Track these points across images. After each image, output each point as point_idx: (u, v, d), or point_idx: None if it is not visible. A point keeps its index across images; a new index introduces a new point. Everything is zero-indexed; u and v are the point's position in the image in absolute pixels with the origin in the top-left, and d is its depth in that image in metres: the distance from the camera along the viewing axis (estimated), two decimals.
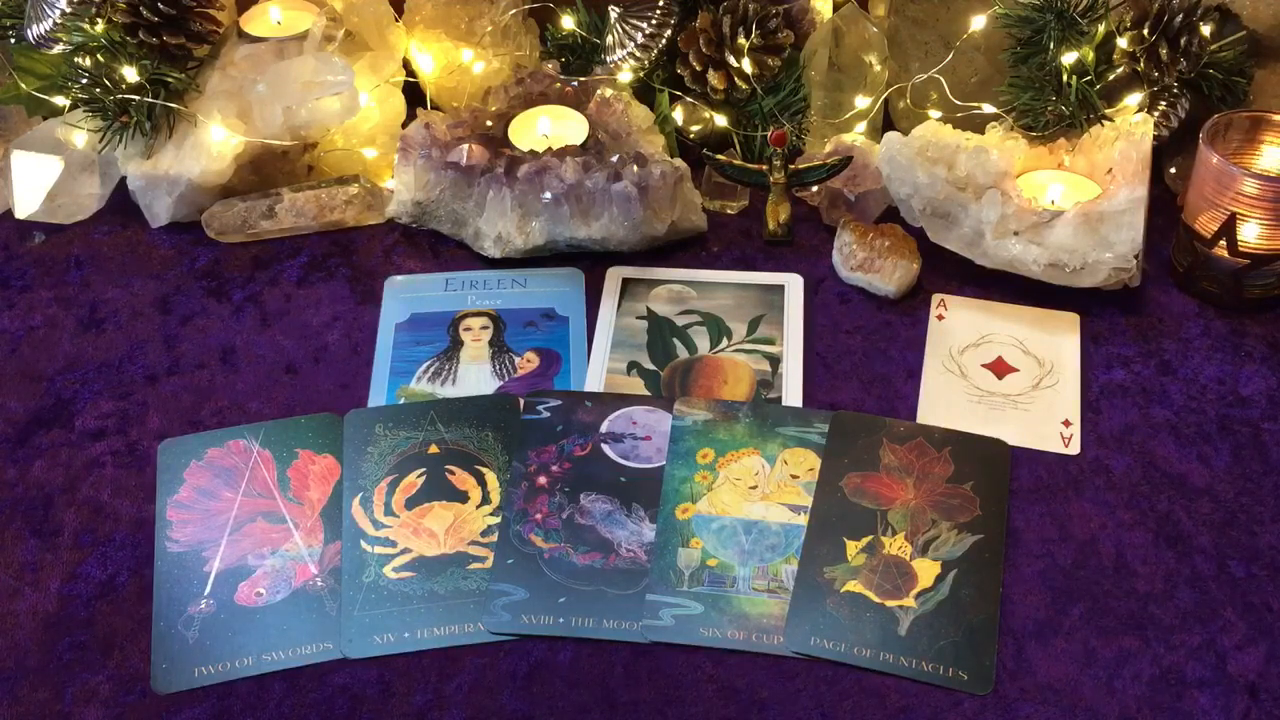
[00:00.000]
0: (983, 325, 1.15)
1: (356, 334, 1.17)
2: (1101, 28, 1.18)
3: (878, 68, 1.26)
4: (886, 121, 1.33)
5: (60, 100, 1.28)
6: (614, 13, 1.29)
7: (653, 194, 1.18)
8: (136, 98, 1.22)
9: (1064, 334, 1.14)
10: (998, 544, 0.97)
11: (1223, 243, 1.12)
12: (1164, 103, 1.22)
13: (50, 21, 1.24)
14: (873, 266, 1.17)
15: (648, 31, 1.28)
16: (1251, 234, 1.10)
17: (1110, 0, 1.18)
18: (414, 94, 1.36)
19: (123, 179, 1.28)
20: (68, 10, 1.23)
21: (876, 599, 0.94)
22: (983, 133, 1.20)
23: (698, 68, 1.27)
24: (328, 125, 1.26)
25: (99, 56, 1.24)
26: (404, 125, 1.31)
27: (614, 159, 1.19)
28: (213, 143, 1.23)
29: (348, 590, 0.96)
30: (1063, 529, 0.99)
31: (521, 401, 1.09)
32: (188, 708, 0.90)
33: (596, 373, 1.12)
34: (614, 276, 1.21)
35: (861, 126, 1.28)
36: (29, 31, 1.25)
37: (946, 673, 0.90)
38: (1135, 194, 1.12)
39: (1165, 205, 1.24)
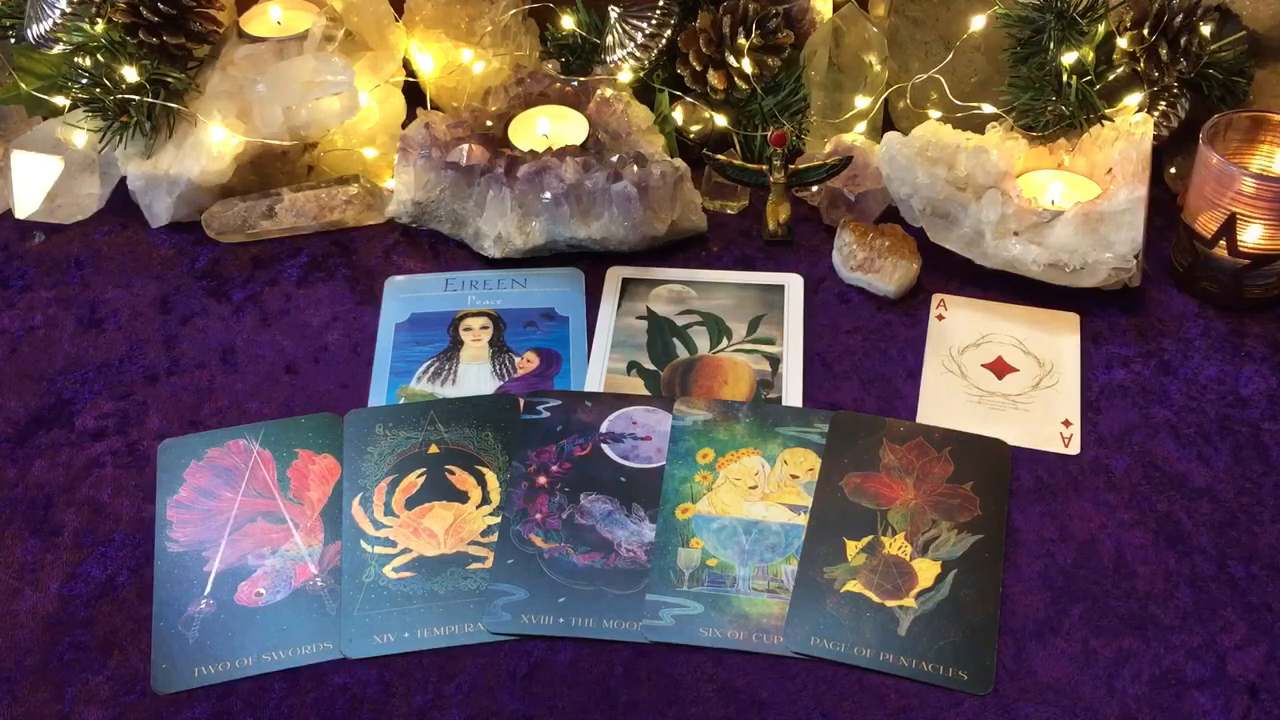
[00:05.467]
0: (983, 325, 1.15)
1: (356, 334, 1.17)
2: (1101, 28, 1.18)
3: (878, 68, 1.26)
4: (886, 121, 1.33)
5: (60, 100, 1.27)
6: (614, 13, 1.29)
7: (653, 194, 1.18)
8: (136, 98, 1.22)
9: (1064, 334, 1.14)
10: (998, 544, 0.97)
11: (1223, 243, 1.12)
12: (1164, 103, 1.22)
13: (50, 21, 1.24)
14: (873, 266, 1.17)
15: (648, 31, 1.28)
16: (1251, 234, 1.10)
17: (1110, 0, 1.18)
18: (414, 94, 1.35)
19: (123, 179, 1.28)
20: (68, 10, 1.23)
21: (876, 599, 0.94)
22: (983, 133, 1.20)
23: (698, 68, 1.27)
24: (328, 125, 1.26)
25: (99, 56, 1.24)
26: (404, 125, 1.31)
27: (614, 159, 1.19)
28: (213, 143, 1.23)
29: (348, 590, 0.96)
30: (1063, 529, 0.99)
31: (521, 401, 1.09)
32: (188, 708, 0.90)
33: (596, 373, 1.12)
34: (614, 276, 1.21)
35: (861, 126, 1.28)
36: (29, 31, 1.25)
37: (946, 673, 0.90)
38: (1135, 194, 1.12)
39: (1165, 205, 1.24)
